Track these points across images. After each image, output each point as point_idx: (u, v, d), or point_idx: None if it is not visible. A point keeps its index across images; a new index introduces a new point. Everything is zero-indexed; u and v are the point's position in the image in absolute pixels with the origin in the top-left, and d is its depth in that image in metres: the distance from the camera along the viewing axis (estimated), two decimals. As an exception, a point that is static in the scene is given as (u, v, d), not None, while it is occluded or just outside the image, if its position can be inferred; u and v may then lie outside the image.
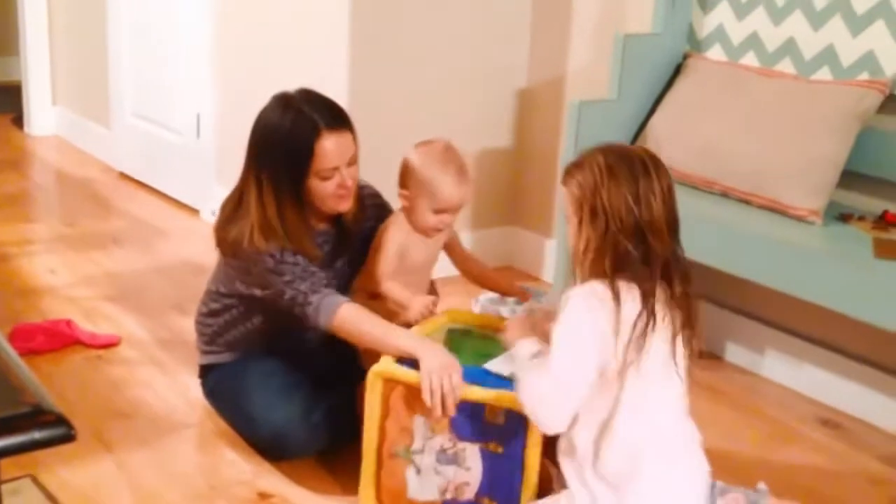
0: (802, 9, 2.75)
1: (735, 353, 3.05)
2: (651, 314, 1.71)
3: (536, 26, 3.58)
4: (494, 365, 2.02)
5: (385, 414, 2.01)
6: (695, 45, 3.03)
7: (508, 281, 2.55)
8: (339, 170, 2.19)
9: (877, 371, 2.74)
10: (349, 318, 2.12)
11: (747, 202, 2.69)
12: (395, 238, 2.27)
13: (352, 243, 2.36)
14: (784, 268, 2.43)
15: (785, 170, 2.61)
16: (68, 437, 1.40)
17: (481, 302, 3.27)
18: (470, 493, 1.98)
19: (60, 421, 1.40)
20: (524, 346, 1.88)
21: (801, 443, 2.63)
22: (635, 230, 1.72)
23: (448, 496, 2.00)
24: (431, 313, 2.21)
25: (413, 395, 1.96)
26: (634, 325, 1.71)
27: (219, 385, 2.43)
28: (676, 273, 1.77)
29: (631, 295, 1.73)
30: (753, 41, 2.88)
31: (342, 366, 2.33)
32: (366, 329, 2.12)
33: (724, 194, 2.74)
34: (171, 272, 3.50)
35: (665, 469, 1.79)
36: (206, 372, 2.48)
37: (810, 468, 2.50)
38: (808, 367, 2.88)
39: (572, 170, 1.81)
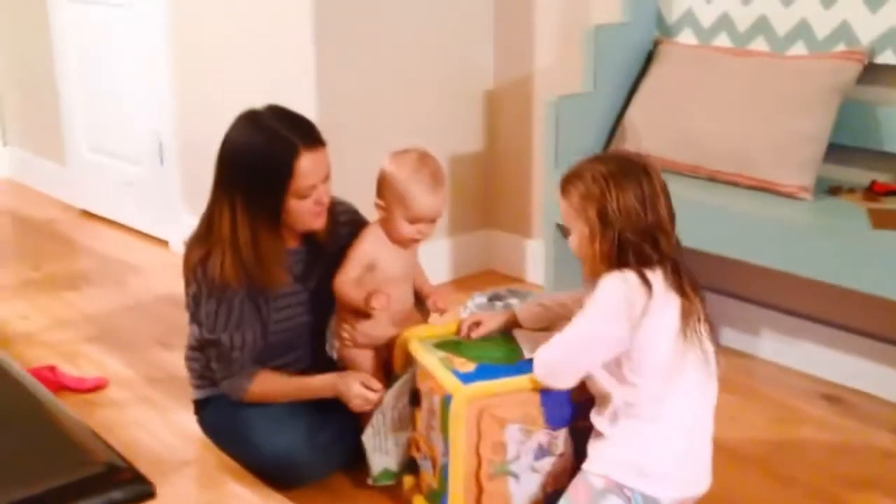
0: (772, -15, 2.75)
1: (730, 337, 3.03)
2: (693, 308, 1.83)
3: (499, 25, 3.54)
4: (530, 353, 2.05)
5: (473, 439, 1.94)
6: (665, 30, 3.01)
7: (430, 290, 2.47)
8: (317, 187, 2.16)
9: (876, 342, 2.73)
10: (260, 389, 2.25)
11: (735, 184, 2.66)
12: (366, 248, 2.24)
13: (326, 260, 2.31)
14: (781, 246, 2.42)
15: (770, 149, 2.59)
16: (148, 494, 1.33)
17: (470, 307, 3.24)
18: (567, 477, 1.98)
19: (138, 478, 1.32)
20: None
21: (808, 421, 2.61)
22: (646, 233, 1.81)
23: (549, 489, 1.99)
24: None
25: (504, 405, 1.93)
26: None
27: (217, 418, 2.36)
28: (682, 266, 1.87)
29: (657, 286, 1.82)
30: (724, 22, 2.86)
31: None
32: (280, 390, 2.26)
33: (712, 178, 2.72)
34: (149, 307, 3.41)
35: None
36: (201, 406, 2.41)
37: (821, 446, 2.49)
38: (805, 344, 2.87)
39: (572, 180, 1.88)
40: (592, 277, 1.87)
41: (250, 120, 2.18)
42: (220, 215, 2.16)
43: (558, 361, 1.89)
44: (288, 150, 2.11)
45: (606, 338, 1.83)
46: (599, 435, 1.90)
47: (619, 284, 1.81)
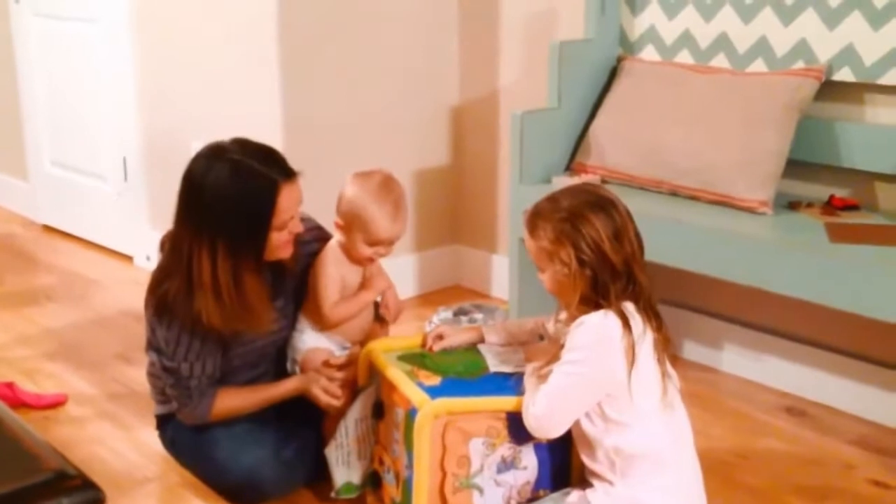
0: (732, 3, 2.77)
1: (693, 350, 3.05)
2: (665, 340, 1.82)
3: (465, 41, 3.56)
4: (496, 367, 2.07)
5: (437, 453, 1.93)
6: (628, 47, 3.04)
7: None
8: (293, 218, 2.15)
9: (836, 356, 2.76)
10: (222, 407, 2.23)
11: (697, 198, 2.69)
12: (333, 273, 2.25)
13: (290, 277, 2.30)
14: (741, 260, 2.44)
15: (731, 164, 2.62)
16: (97, 501, 1.32)
17: (435, 322, 3.24)
18: (530, 491, 1.98)
19: (87, 485, 1.31)
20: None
21: (772, 434, 2.63)
22: (622, 267, 1.78)
23: (512, 502, 1.98)
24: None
25: (469, 418, 1.92)
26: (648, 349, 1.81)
27: (179, 434, 2.33)
28: (653, 298, 1.84)
29: (633, 320, 1.80)
30: (686, 39, 2.89)
31: (304, 403, 2.26)
32: (243, 404, 2.25)
33: (674, 193, 2.74)
34: (111, 322, 3.37)
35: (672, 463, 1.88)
36: (163, 422, 2.38)
37: (786, 458, 2.50)
38: (768, 358, 2.90)
39: (540, 219, 1.83)
40: (570, 308, 1.85)
41: (221, 159, 2.09)
42: (199, 260, 2.09)
43: (549, 415, 1.83)
44: (269, 187, 2.07)
45: (592, 381, 1.80)
46: (606, 480, 1.85)
47: (598, 324, 1.77)
